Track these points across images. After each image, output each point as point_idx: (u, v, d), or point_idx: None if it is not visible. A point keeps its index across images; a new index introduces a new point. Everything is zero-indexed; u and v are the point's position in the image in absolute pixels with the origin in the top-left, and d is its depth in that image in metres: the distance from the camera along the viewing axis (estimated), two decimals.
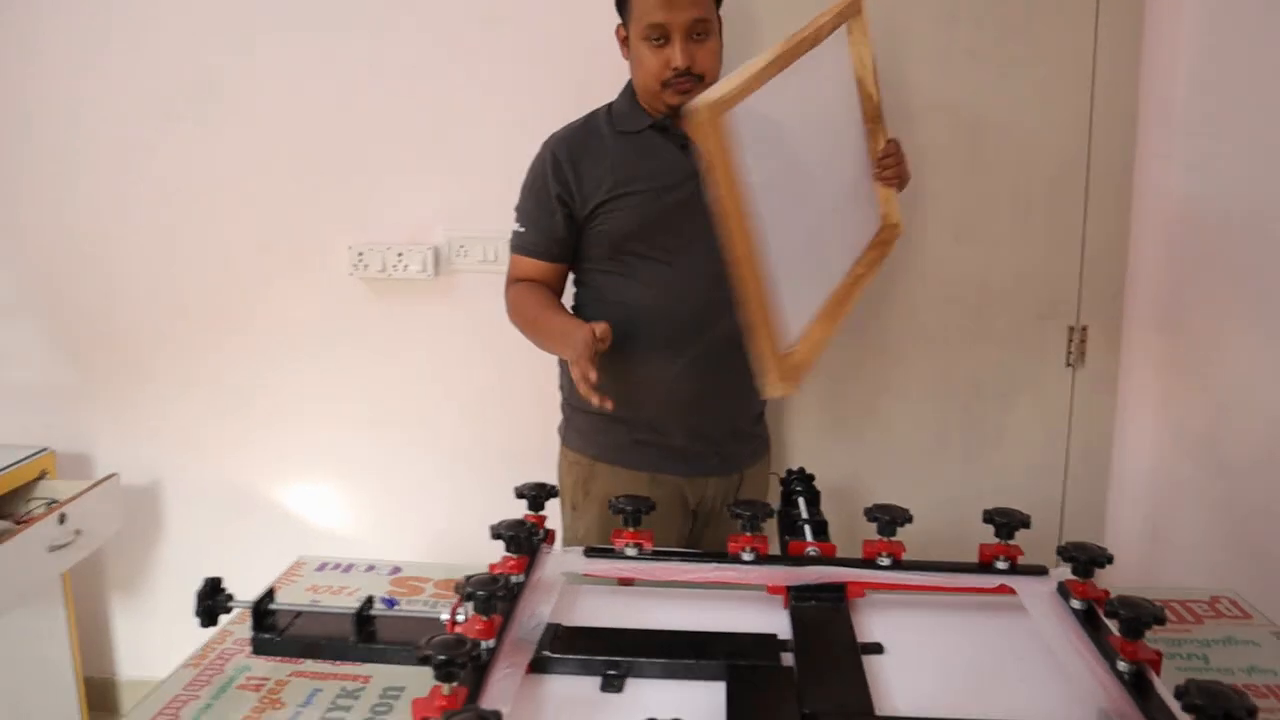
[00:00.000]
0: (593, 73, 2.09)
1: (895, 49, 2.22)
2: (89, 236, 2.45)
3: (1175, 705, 0.92)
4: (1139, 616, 1.03)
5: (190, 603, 2.28)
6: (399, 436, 2.43)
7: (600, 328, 1.61)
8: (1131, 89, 2.23)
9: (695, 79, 1.69)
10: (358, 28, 2.31)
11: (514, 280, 1.90)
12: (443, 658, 0.90)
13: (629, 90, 1.84)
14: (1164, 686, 0.99)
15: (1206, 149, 2.05)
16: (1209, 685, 0.86)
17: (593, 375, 1.56)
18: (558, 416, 1.99)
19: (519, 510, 1.38)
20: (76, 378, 2.51)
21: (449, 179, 2.32)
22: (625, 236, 1.79)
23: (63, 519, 2.05)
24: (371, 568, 1.49)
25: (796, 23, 1.65)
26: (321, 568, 1.50)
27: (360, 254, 2.30)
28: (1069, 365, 2.32)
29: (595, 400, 1.57)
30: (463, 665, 0.90)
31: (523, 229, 1.85)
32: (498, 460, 2.31)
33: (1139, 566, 2.19)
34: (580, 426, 1.90)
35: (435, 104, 2.31)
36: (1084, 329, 2.31)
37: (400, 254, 2.29)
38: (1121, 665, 1.03)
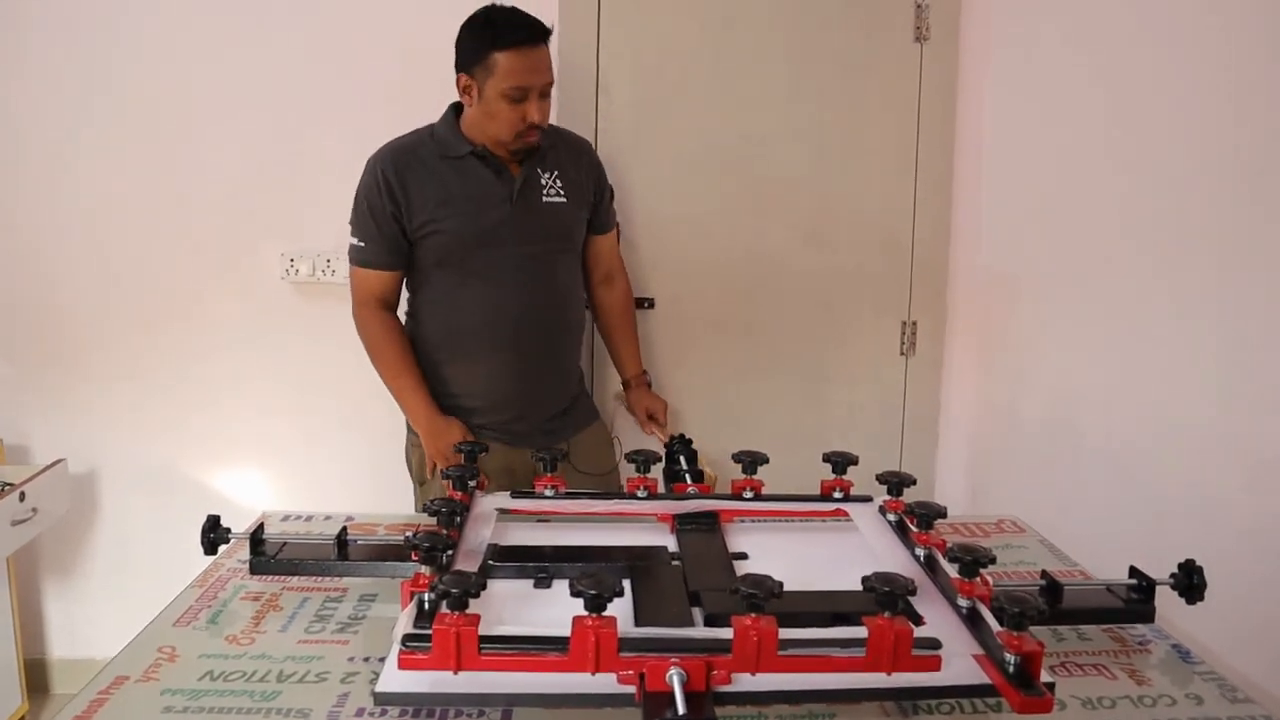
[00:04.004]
0: None
1: (759, 85, 2.60)
2: (26, 237, 2.62)
3: (953, 569, 1.29)
4: (929, 514, 1.42)
5: (123, 584, 2.51)
6: (323, 423, 2.69)
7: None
8: (950, 123, 2.64)
9: (539, 129, 2.01)
10: (296, 60, 2.56)
11: (366, 298, 2.15)
12: (428, 544, 1.21)
13: (451, 118, 2.12)
14: (948, 563, 1.36)
15: (1006, 172, 2.48)
16: (966, 545, 1.24)
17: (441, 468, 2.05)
18: None
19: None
20: (13, 372, 2.67)
21: None
22: (448, 250, 2.08)
23: (22, 497, 2.25)
24: (328, 517, 1.77)
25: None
26: (285, 518, 1.77)
27: (292, 260, 2.56)
28: (902, 354, 2.74)
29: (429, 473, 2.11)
30: (442, 550, 1.22)
31: (363, 243, 2.11)
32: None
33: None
34: None
35: (359, 127, 2.54)
36: (914, 323, 2.72)
37: (329, 260, 2.56)
38: (918, 550, 1.41)
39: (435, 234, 2.06)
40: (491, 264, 2.09)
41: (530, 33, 1.96)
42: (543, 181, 2.13)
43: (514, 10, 2.02)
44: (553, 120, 2.47)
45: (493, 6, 2.04)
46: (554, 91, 2.07)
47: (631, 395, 2.41)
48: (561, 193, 2.14)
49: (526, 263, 2.11)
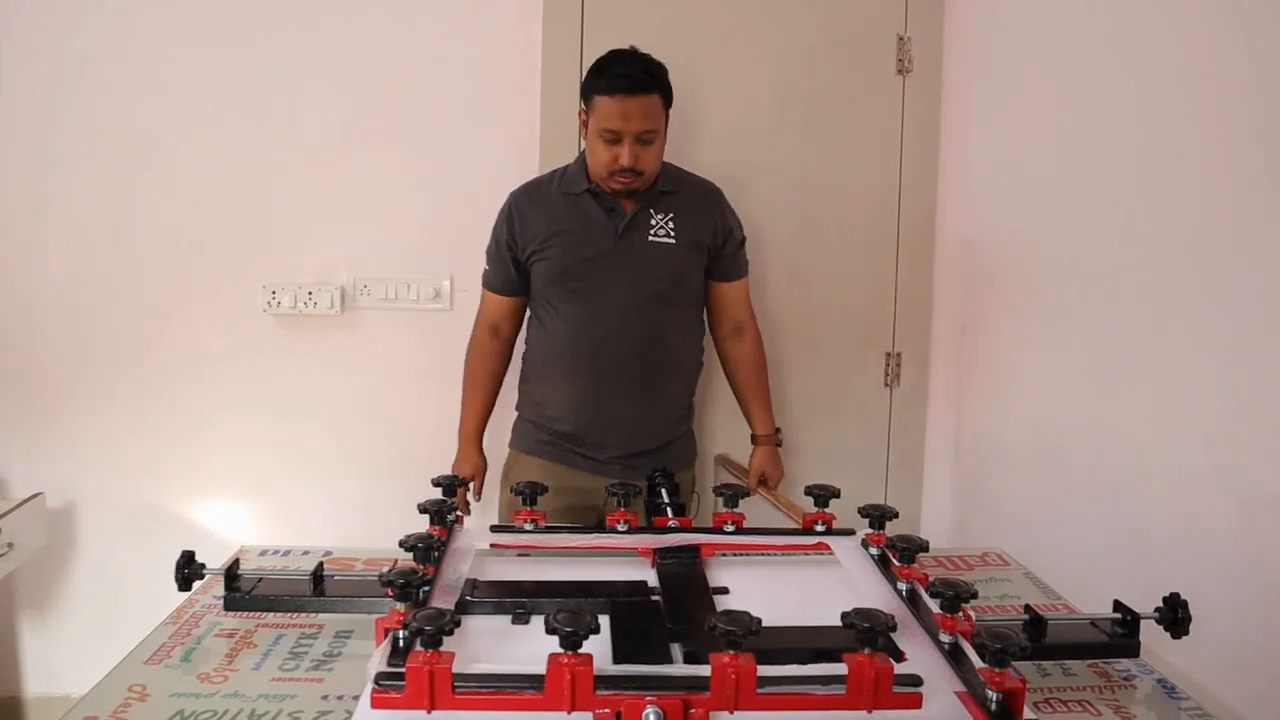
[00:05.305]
0: (481, 140, 2.44)
1: (742, 118, 2.61)
2: (6, 269, 2.60)
3: (935, 604, 1.28)
4: (911, 548, 1.40)
5: (101, 619, 2.47)
6: (306, 455, 2.66)
7: (474, 486, 2.31)
8: (933, 155, 2.64)
9: (637, 174, 2.05)
10: (278, 92, 2.56)
11: (482, 317, 2.30)
12: (402, 581, 1.19)
13: (581, 158, 2.19)
14: (930, 598, 1.34)
15: (989, 205, 2.49)
16: (948, 580, 1.23)
17: (467, 503, 2.28)
18: (444, 433, 2.32)
19: (415, 519, 1.59)
20: None
21: (354, 227, 2.59)
22: (552, 275, 2.16)
23: None
24: (306, 552, 1.75)
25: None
26: (263, 553, 1.75)
27: (274, 292, 2.55)
28: (887, 385, 2.73)
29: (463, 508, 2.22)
30: (417, 587, 1.20)
31: (488, 267, 2.25)
32: (393, 473, 2.58)
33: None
34: (518, 427, 2.31)
35: (343, 161, 2.58)
36: (898, 355, 2.71)
37: (310, 292, 2.55)
38: (901, 585, 1.40)
39: (542, 261, 2.17)
40: (589, 294, 2.16)
41: (628, 83, 2.03)
42: (652, 222, 2.17)
43: (631, 57, 2.08)
44: (538, 140, 2.55)
45: (618, 50, 2.11)
46: (641, 133, 2.06)
47: (755, 455, 2.39)
48: (671, 235, 2.18)
49: (621, 298, 2.15)
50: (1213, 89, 1.66)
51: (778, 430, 2.40)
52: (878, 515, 1.54)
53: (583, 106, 2.13)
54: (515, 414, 2.34)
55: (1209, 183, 1.65)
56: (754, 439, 2.40)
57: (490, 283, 2.27)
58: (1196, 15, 1.71)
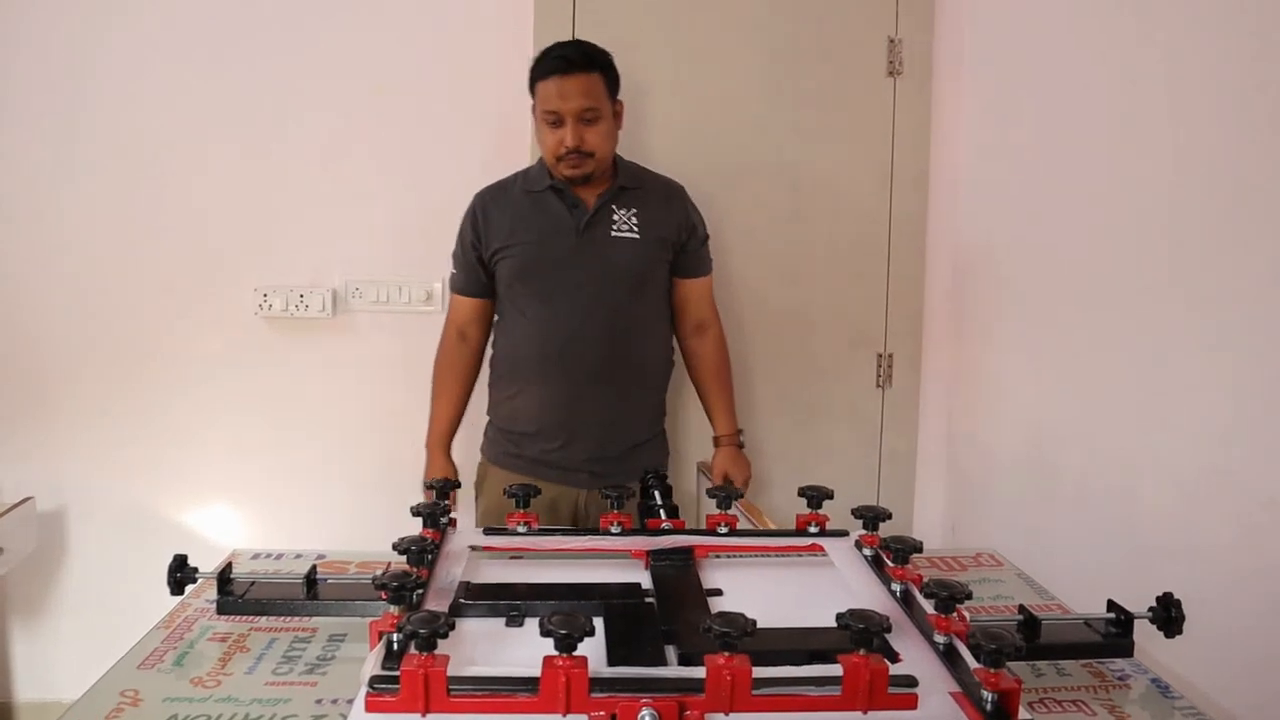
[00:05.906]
0: (472, 142, 2.43)
1: (731, 119, 2.61)
2: None
3: (929, 605, 1.28)
4: (904, 548, 1.40)
5: (92, 624, 2.47)
6: (298, 458, 2.66)
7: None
8: (924, 156, 2.65)
9: (585, 155, 2.04)
10: (267, 95, 2.56)
11: (450, 322, 2.28)
12: (396, 584, 1.19)
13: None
14: (924, 598, 1.35)
15: (980, 206, 2.49)
16: (943, 580, 1.23)
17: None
18: None
19: (408, 522, 1.58)
20: None
21: (346, 229, 2.59)
22: (513, 278, 2.14)
23: None
24: (299, 555, 1.74)
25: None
26: (255, 556, 1.75)
27: (265, 295, 2.55)
28: (879, 386, 2.73)
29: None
30: (411, 590, 1.20)
31: (455, 270, 2.23)
32: (385, 475, 2.58)
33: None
34: (489, 434, 2.28)
35: (335, 164, 2.58)
36: (890, 356, 2.72)
37: (302, 295, 2.55)
38: (895, 586, 1.40)
39: (505, 260, 2.15)
40: (551, 292, 2.14)
41: (562, 63, 2.05)
42: (615, 217, 2.16)
43: (568, 43, 2.13)
44: (529, 142, 2.53)
45: (559, 41, 2.15)
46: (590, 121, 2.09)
47: (716, 456, 2.37)
48: (635, 230, 2.16)
49: (586, 294, 2.13)
50: (1205, 92, 1.66)
51: (740, 431, 2.39)
52: (871, 516, 1.54)
53: (533, 102, 2.13)
54: (486, 419, 2.32)
55: (1201, 186, 1.66)
56: (715, 440, 2.39)
57: (457, 285, 2.26)
58: (1188, 18, 1.71)
